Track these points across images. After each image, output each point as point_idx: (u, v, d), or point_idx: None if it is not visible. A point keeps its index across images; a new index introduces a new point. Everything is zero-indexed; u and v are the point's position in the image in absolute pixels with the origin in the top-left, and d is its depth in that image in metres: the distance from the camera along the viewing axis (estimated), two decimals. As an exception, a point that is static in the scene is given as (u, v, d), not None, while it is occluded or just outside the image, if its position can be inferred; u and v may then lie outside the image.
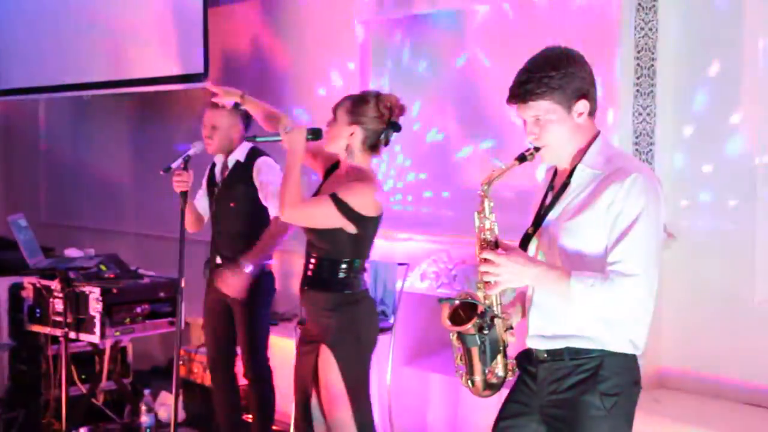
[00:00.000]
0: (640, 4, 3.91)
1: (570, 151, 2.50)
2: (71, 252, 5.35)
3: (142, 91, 6.35)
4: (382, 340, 4.54)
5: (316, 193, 3.47)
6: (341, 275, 3.38)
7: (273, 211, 4.13)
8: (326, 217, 3.27)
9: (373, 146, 3.39)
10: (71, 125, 7.60)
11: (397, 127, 3.42)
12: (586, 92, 2.46)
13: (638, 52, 3.92)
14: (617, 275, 2.36)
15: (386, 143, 3.43)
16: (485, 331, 2.50)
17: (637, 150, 3.94)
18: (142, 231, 6.56)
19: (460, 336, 2.52)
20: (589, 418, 2.44)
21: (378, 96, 3.40)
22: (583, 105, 2.45)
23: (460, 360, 2.58)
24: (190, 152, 4.07)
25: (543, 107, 2.43)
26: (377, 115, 3.36)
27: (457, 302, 2.54)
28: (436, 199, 4.77)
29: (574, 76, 2.43)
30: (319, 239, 3.38)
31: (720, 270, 3.88)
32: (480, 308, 2.49)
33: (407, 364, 4.78)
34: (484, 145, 4.53)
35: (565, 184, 2.51)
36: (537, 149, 2.50)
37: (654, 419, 3.58)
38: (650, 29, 3.94)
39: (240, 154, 4.26)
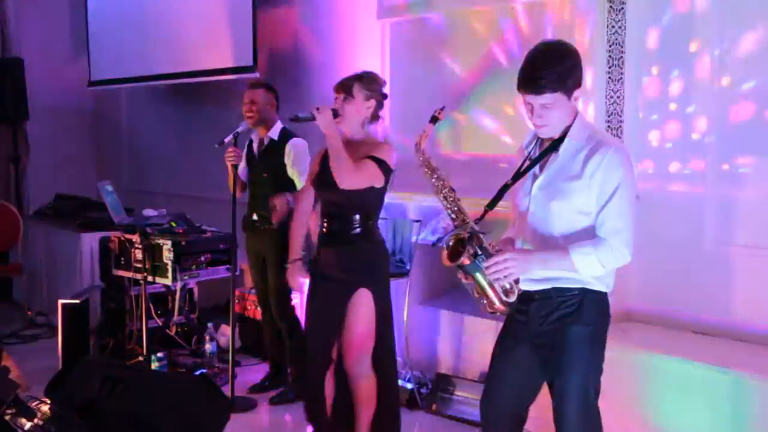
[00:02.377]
0: (611, 7, 3.86)
1: (564, 126, 2.50)
2: (148, 211, 5.38)
3: (203, 81, 6.34)
4: (401, 283, 4.57)
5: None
6: (363, 228, 3.29)
7: (299, 185, 4.18)
8: (372, 176, 3.22)
9: (377, 116, 3.37)
10: (147, 109, 7.61)
11: (386, 97, 3.40)
12: (580, 80, 2.46)
13: (610, 46, 3.88)
14: (606, 236, 2.40)
15: (380, 110, 3.39)
16: (480, 254, 2.47)
17: (609, 126, 3.91)
18: (203, 194, 6.58)
19: (463, 268, 2.47)
20: (575, 342, 2.48)
21: (372, 73, 3.38)
22: (579, 92, 2.46)
23: (476, 293, 2.52)
24: (239, 129, 4.14)
25: (553, 97, 2.42)
26: (379, 89, 3.34)
27: (451, 242, 2.51)
28: (446, 168, 4.73)
29: (575, 68, 2.44)
30: (349, 199, 3.26)
31: (676, 224, 3.86)
32: (464, 235, 2.46)
33: (421, 303, 4.78)
34: (487, 122, 4.49)
35: (552, 151, 2.50)
36: (442, 109, 2.65)
37: (622, 346, 3.58)
38: (620, 27, 3.90)
39: (274, 133, 4.34)
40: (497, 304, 2.50)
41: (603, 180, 2.40)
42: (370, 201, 3.31)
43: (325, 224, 3.36)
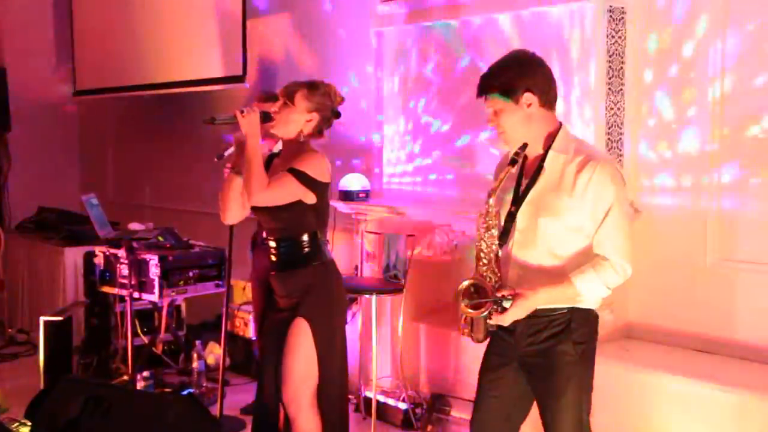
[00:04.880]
0: (611, 16, 3.89)
1: (529, 137, 2.53)
2: (134, 225, 5.38)
3: (192, 91, 6.36)
4: (395, 299, 4.57)
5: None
6: (306, 250, 3.12)
7: None
8: (290, 191, 3.02)
9: (321, 132, 3.17)
10: (134, 119, 7.62)
11: (338, 116, 3.22)
12: (532, 86, 2.49)
13: (610, 56, 3.91)
14: (607, 255, 2.42)
15: (327, 128, 3.20)
16: (497, 309, 2.51)
17: (609, 139, 3.93)
18: (192, 208, 6.58)
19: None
20: (565, 363, 2.49)
21: (328, 85, 3.18)
22: (528, 97, 2.49)
23: (464, 321, 2.58)
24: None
25: (495, 100, 2.50)
26: (330, 103, 3.16)
27: (466, 285, 2.52)
28: (440, 181, 4.76)
29: (519, 75, 2.49)
30: (278, 220, 3.10)
31: (677, 239, 3.88)
32: (488, 305, 2.48)
33: (416, 319, 4.77)
34: (483, 135, 4.51)
35: (539, 169, 2.52)
36: (523, 149, 2.52)
37: (622, 364, 3.60)
38: (620, 37, 3.93)
39: (279, 147, 4.24)
40: (481, 337, 2.58)
41: (595, 198, 2.43)
42: (310, 219, 3.11)
43: (273, 250, 3.18)
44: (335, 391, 3.18)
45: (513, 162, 2.52)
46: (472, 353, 4.38)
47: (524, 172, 2.59)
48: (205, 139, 6.28)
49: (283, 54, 5.84)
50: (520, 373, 2.57)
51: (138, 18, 6.83)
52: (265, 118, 3.08)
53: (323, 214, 3.20)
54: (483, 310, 2.49)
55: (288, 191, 3.04)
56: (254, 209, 3.18)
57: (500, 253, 2.53)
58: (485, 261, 2.53)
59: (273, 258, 3.20)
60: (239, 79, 5.78)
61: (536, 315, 2.51)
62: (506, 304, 2.48)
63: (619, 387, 3.50)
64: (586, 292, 2.43)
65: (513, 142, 2.55)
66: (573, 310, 2.50)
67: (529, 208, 2.53)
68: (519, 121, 2.51)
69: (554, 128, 2.55)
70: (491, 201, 2.53)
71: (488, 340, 2.63)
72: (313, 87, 3.14)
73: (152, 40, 6.68)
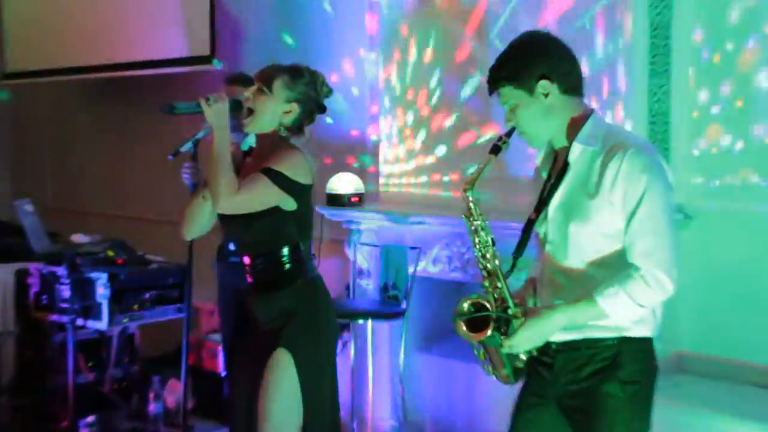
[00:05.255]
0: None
1: (552, 132, 2.55)
2: (78, 237, 5.35)
3: (149, 74, 6.35)
4: (395, 325, 4.56)
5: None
6: (288, 266, 3.11)
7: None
8: (264, 195, 3.00)
9: (300, 128, 3.15)
10: (79, 110, 7.61)
11: (324, 110, 3.20)
12: (548, 72, 2.49)
13: (653, 30, 3.90)
14: (637, 261, 2.38)
15: (309, 123, 3.18)
16: (503, 329, 2.49)
17: (653, 129, 3.93)
18: (149, 216, 6.56)
19: (481, 341, 2.54)
20: (610, 407, 2.45)
21: (314, 73, 3.16)
22: (544, 85, 2.49)
23: (482, 355, 2.59)
24: (200, 135, 4.00)
25: (507, 94, 2.52)
26: (314, 95, 3.14)
27: (466, 316, 2.54)
28: (448, 182, 4.75)
29: (529, 60, 2.50)
30: (252, 231, 3.10)
31: (738, 251, 3.87)
32: (491, 319, 2.49)
33: (420, 349, 4.77)
34: (493, 128, 4.50)
35: (565, 165, 2.52)
36: (509, 135, 2.55)
37: (672, 403, 3.58)
38: (665, 6, 3.92)
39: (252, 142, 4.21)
40: (506, 373, 2.60)
41: (625, 191, 2.40)
42: (290, 228, 3.10)
43: (248, 269, 3.17)
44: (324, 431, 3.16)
45: (495, 150, 2.54)
46: (488, 390, 4.38)
47: (552, 173, 2.59)
48: (165, 134, 6.24)
49: (260, 32, 5.83)
50: (560, 415, 2.54)
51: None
52: (235, 107, 3.06)
53: (306, 222, 3.18)
54: (484, 332, 2.47)
55: (262, 196, 3.02)
56: (222, 219, 3.16)
57: (498, 262, 2.54)
58: (485, 273, 2.55)
59: (249, 278, 3.18)
60: (206, 59, 5.77)
61: (577, 347, 2.48)
62: (515, 324, 2.47)
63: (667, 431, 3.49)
64: (613, 310, 2.38)
65: (535, 140, 2.56)
66: (623, 341, 2.45)
67: (557, 214, 2.52)
68: (537, 115, 2.51)
69: (579, 116, 2.54)
70: (469, 194, 2.55)
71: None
72: (296, 73, 3.12)
73: (101, 12, 6.67)
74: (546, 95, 2.50)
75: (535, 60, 2.50)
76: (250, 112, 3.10)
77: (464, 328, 2.53)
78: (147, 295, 4.82)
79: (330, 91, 3.21)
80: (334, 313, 3.29)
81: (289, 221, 3.10)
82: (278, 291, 3.13)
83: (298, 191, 3.06)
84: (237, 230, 3.18)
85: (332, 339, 3.26)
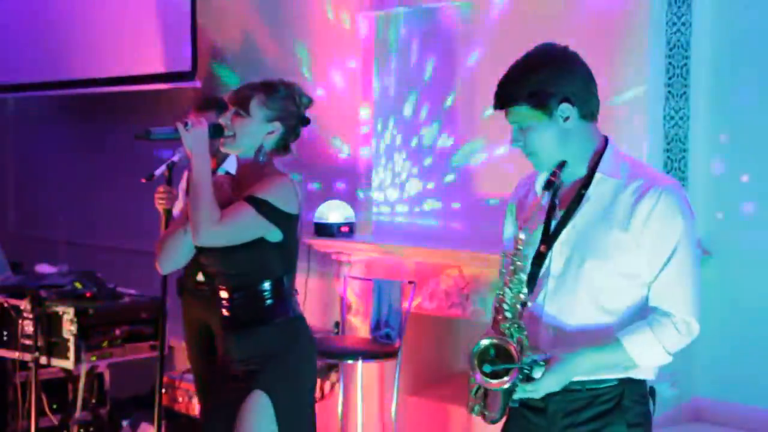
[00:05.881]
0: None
1: (566, 156, 2.49)
2: (43, 268, 5.32)
3: (124, 91, 6.35)
4: (388, 366, 4.54)
5: None
6: (268, 302, 3.10)
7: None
8: (249, 226, 2.99)
9: (286, 146, 3.14)
10: (45, 129, 7.59)
11: (307, 122, 3.19)
12: (570, 95, 2.44)
13: (670, 49, 3.91)
14: (668, 308, 2.38)
15: (295, 139, 3.17)
16: (523, 380, 2.46)
17: (669, 157, 3.93)
18: (120, 245, 6.54)
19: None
20: None
21: (290, 86, 3.15)
22: (566, 108, 2.44)
23: (475, 394, 2.53)
24: (174, 158, 4.02)
25: (521, 113, 2.45)
26: (294, 108, 3.13)
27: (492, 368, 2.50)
28: (444, 211, 4.75)
29: (552, 79, 2.44)
30: (231, 264, 3.08)
31: (758, 287, 3.87)
32: (514, 373, 2.45)
33: (415, 393, 4.75)
34: (499, 151, 4.50)
35: (579, 196, 2.49)
36: (561, 168, 2.49)
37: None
38: (683, 24, 3.94)
39: (231, 165, 4.21)
40: (498, 417, 2.52)
41: (657, 234, 2.39)
42: (273, 261, 3.09)
43: (224, 302, 3.15)
44: None
45: (549, 186, 2.49)
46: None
47: (559, 202, 2.56)
48: (141, 157, 6.26)
49: (243, 45, 5.84)
50: None
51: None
52: (216, 132, 3.04)
53: (291, 255, 3.16)
54: (507, 380, 2.44)
55: (247, 226, 3.00)
56: (201, 250, 3.14)
57: (529, 304, 2.49)
58: (508, 315, 2.48)
59: (225, 312, 3.16)
60: (188, 76, 5.78)
61: (576, 388, 2.45)
62: (537, 371, 2.44)
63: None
64: (640, 357, 2.38)
65: (545, 165, 2.52)
66: (626, 382, 2.45)
67: (566, 248, 2.49)
68: (553, 139, 2.47)
69: (599, 145, 2.52)
70: (522, 236, 2.48)
71: (504, 419, 2.57)
72: (270, 89, 3.11)
73: (74, 25, 6.67)
74: (566, 119, 2.46)
75: (558, 80, 2.45)
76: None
77: (485, 376, 2.48)
78: (118, 332, 4.77)
79: (310, 101, 3.20)
80: (316, 354, 3.27)
81: (274, 254, 3.08)
82: (257, 328, 3.11)
83: (285, 221, 3.04)
84: (216, 262, 3.14)
85: (313, 383, 3.27)
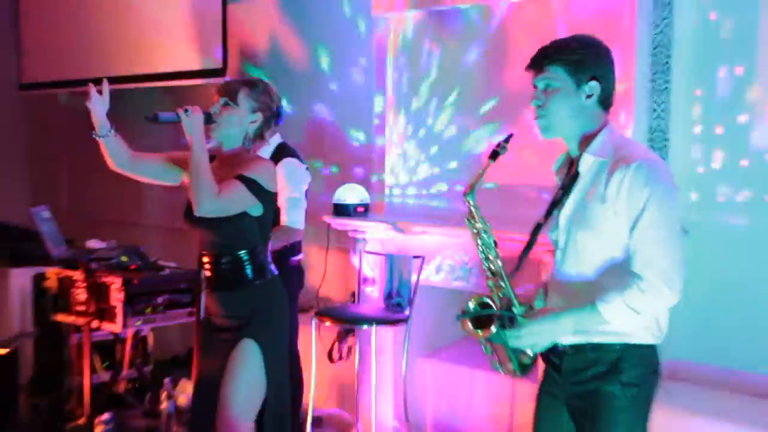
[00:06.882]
0: (656, 1, 3.89)
1: (569, 131, 2.54)
2: (93, 243, 5.37)
3: (163, 86, 6.37)
4: (399, 331, 4.56)
5: None
6: (249, 267, 3.26)
7: (284, 218, 4.14)
8: (241, 200, 3.16)
9: (263, 135, 3.37)
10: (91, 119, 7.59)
11: (280, 116, 3.44)
12: (600, 76, 2.50)
13: (654, 48, 3.91)
14: (639, 270, 2.39)
15: (268, 130, 3.41)
16: (507, 326, 2.51)
17: (652, 146, 3.93)
18: (161, 223, 6.57)
19: (487, 338, 2.58)
20: (611, 407, 2.47)
21: (267, 83, 3.41)
22: (593, 86, 2.49)
23: (490, 351, 2.61)
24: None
25: (556, 74, 2.49)
26: (270, 103, 3.36)
27: (472, 314, 2.58)
28: (450, 193, 4.76)
29: (592, 57, 2.50)
30: (219, 233, 3.24)
31: (732, 264, 3.87)
32: (493, 306, 2.53)
33: (423, 355, 4.78)
34: (497, 140, 4.48)
35: (575, 175, 2.52)
36: (507, 141, 2.59)
37: (665, 412, 3.56)
38: (666, 26, 3.93)
39: (265, 151, 4.21)
40: (512, 368, 2.61)
41: (628, 202, 2.40)
42: (253, 232, 3.26)
43: (207, 266, 3.31)
44: (283, 421, 3.34)
45: (494, 155, 2.57)
46: (491, 396, 4.39)
47: (565, 180, 2.61)
48: (175, 141, 6.28)
49: (269, 44, 5.85)
50: (570, 416, 2.56)
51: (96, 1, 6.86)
52: (207, 119, 3.20)
53: (267, 227, 3.34)
54: (489, 328, 2.51)
55: (238, 201, 3.17)
56: (190, 220, 3.29)
57: (501, 263, 2.57)
58: (489, 273, 2.58)
59: (207, 273, 3.33)
60: (219, 72, 5.80)
61: (583, 349, 2.50)
62: (520, 321, 2.50)
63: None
64: (612, 317, 2.40)
65: (552, 130, 2.55)
66: (626, 347, 2.47)
67: (566, 222, 2.53)
68: (570, 109, 2.51)
69: (597, 128, 2.54)
70: (469, 198, 2.59)
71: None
72: (253, 84, 3.34)
73: (115, 25, 6.70)
74: (588, 96, 2.50)
75: (597, 62, 2.50)
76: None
77: (470, 325, 2.55)
78: (159, 300, 4.83)
79: (280, 99, 3.48)
80: (288, 308, 3.46)
81: (253, 225, 3.26)
82: (240, 290, 3.28)
83: (267, 198, 3.24)
84: (204, 231, 3.29)
85: (287, 330, 3.44)
